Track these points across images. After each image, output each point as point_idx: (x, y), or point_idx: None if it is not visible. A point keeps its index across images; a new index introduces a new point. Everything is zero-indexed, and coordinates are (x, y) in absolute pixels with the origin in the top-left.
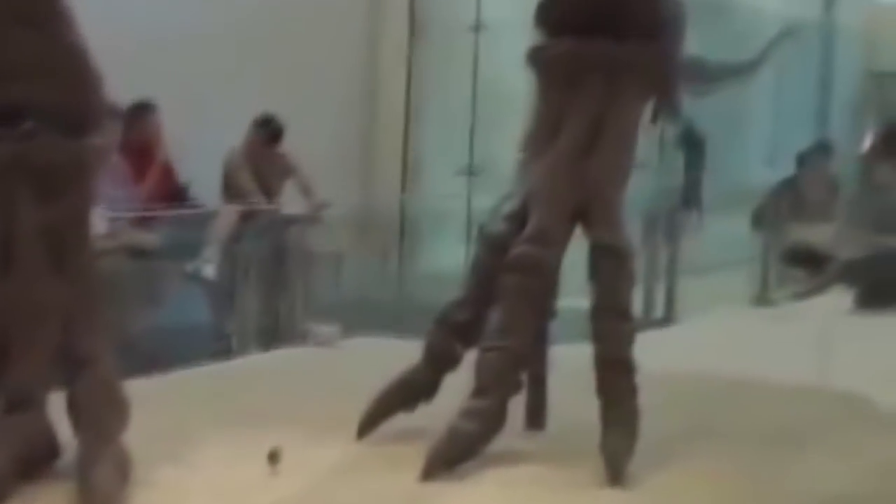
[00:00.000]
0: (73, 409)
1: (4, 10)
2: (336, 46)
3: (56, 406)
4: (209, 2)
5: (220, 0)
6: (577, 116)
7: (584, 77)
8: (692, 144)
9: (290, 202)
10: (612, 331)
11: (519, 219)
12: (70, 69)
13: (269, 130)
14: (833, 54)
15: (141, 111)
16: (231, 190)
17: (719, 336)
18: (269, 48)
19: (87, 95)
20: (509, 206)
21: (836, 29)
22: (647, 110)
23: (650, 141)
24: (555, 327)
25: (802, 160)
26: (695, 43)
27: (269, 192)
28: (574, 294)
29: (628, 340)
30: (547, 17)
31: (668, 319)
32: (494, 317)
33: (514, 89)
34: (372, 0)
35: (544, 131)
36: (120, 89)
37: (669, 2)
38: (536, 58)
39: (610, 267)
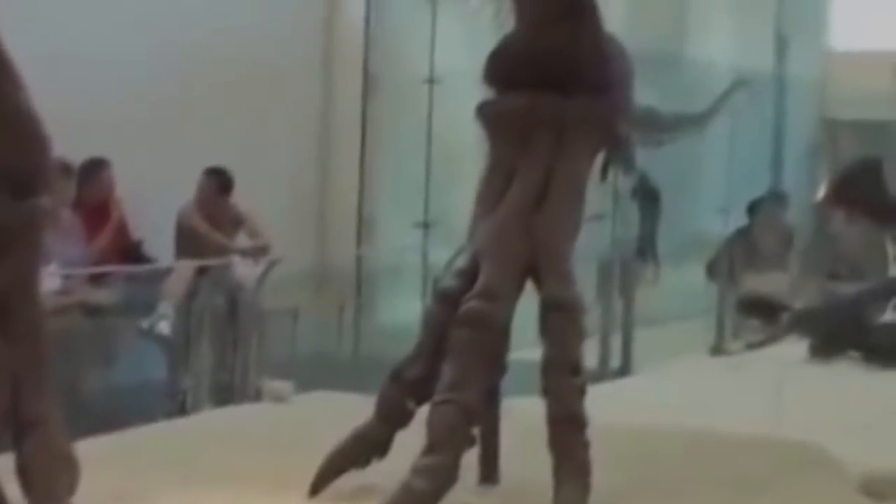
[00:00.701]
0: (22, 471)
1: None
2: (289, 100)
3: (4, 468)
4: (162, 58)
5: (173, 56)
6: (527, 171)
7: (534, 132)
8: (647, 195)
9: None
10: (563, 386)
11: (470, 274)
12: (16, 131)
13: (219, 180)
14: (786, 103)
15: (94, 168)
16: (186, 239)
17: (675, 387)
18: (220, 102)
19: (34, 157)
20: (461, 262)
21: (788, 78)
22: (597, 164)
23: (605, 192)
24: (507, 381)
25: (754, 209)
26: (649, 95)
27: (223, 248)
28: (527, 347)
29: (579, 395)
30: (496, 73)
31: (624, 370)
32: (446, 372)
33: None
34: (325, 53)
35: (495, 186)
36: (72, 147)
37: (617, 57)
38: (486, 113)
39: (560, 321)
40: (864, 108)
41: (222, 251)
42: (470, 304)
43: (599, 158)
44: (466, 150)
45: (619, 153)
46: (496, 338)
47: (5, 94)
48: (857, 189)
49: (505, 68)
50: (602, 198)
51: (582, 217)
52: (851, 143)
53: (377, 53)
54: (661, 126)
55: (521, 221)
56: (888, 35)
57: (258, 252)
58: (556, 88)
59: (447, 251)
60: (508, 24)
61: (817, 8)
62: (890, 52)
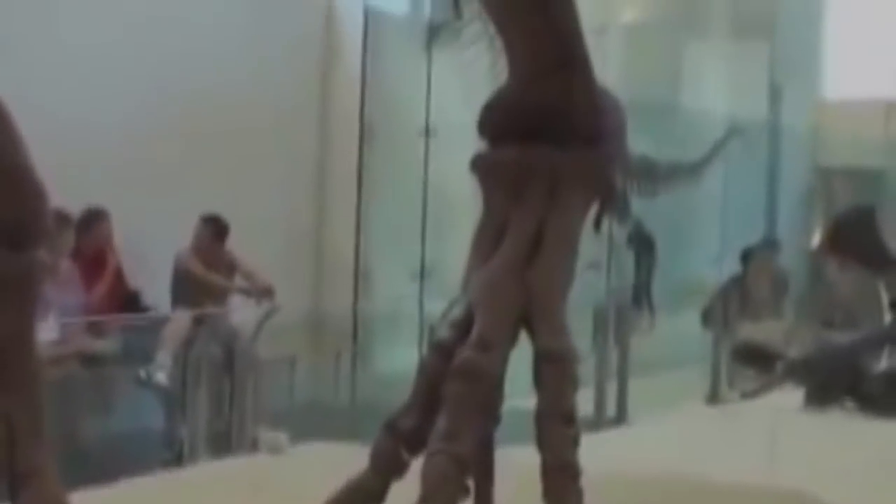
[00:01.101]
0: None
1: None
2: (287, 150)
3: None
4: (159, 107)
5: (171, 105)
6: (520, 223)
7: (527, 184)
8: (642, 244)
9: (239, 307)
10: (556, 436)
11: (464, 325)
12: (13, 184)
13: (214, 227)
14: (780, 152)
15: (92, 219)
16: (183, 285)
17: (671, 436)
18: (218, 152)
19: (31, 209)
20: (455, 312)
21: (782, 127)
22: (591, 215)
23: (600, 240)
24: (502, 429)
25: (747, 257)
26: (644, 144)
27: (216, 295)
28: (521, 395)
29: (573, 445)
30: (490, 125)
31: (620, 419)
32: (440, 423)
33: (464, 193)
34: (322, 103)
35: (489, 237)
36: (70, 196)
37: (611, 109)
38: (480, 165)
39: (553, 372)
40: (856, 155)
41: (221, 294)
42: (464, 355)
43: (593, 209)
44: (462, 201)
45: (613, 204)
46: (490, 388)
47: (2, 148)
48: (850, 237)
49: (498, 120)
50: (597, 246)
51: (575, 268)
52: (845, 190)
53: (374, 104)
54: (656, 175)
55: (515, 273)
56: (879, 82)
57: (260, 294)
58: (550, 141)
59: (443, 301)
60: (503, 76)
61: (810, 57)
62: (881, 100)
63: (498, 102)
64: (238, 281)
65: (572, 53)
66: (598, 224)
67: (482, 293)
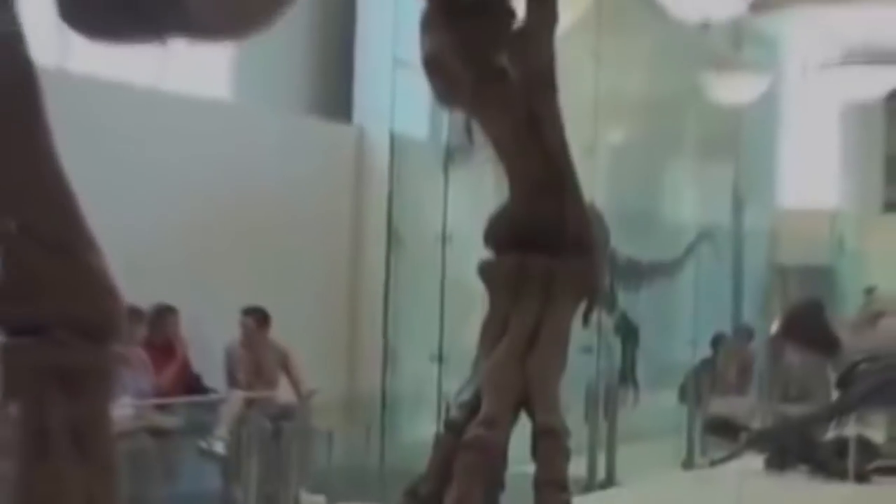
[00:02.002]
0: None
1: (37, 239)
2: (325, 252)
3: None
4: (215, 218)
5: (227, 216)
6: (520, 320)
7: (525, 286)
8: (627, 331)
9: (285, 390)
10: (553, 501)
11: (473, 406)
12: (92, 287)
13: (256, 318)
14: (742, 252)
15: (161, 313)
16: (235, 370)
17: (654, 496)
18: (266, 254)
19: (107, 308)
20: (465, 395)
21: (744, 232)
22: (580, 311)
23: (591, 329)
24: (506, 494)
25: (717, 342)
26: (629, 247)
27: (268, 379)
28: (521, 463)
29: None
30: (494, 236)
31: (609, 482)
32: (453, 489)
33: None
34: (356, 212)
35: (493, 331)
36: (141, 293)
37: (595, 222)
38: (485, 270)
39: (549, 446)
40: (807, 255)
41: (270, 377)
42: (473, 431)
43: (582, 306)
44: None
45: (598, 301)
46: (495, 460)
47: (82, 255)
48: (802, 325)
49: (501, 232)
50: (589, 334)
51: (567, 356)
52: (798, 285)
53: (399, 213)
54: (639, 273)
55: (515, 362)
56: (824, 195)
57: (301, 399)
58: (545, 250)
59: (458, 380)
60: (506, 193)
61: (767, 174)
62: (826, 209)
63: (500, 217)
64: (285, 377)
65: (563, 176)
66: (586, 318)
67: (488, 379)
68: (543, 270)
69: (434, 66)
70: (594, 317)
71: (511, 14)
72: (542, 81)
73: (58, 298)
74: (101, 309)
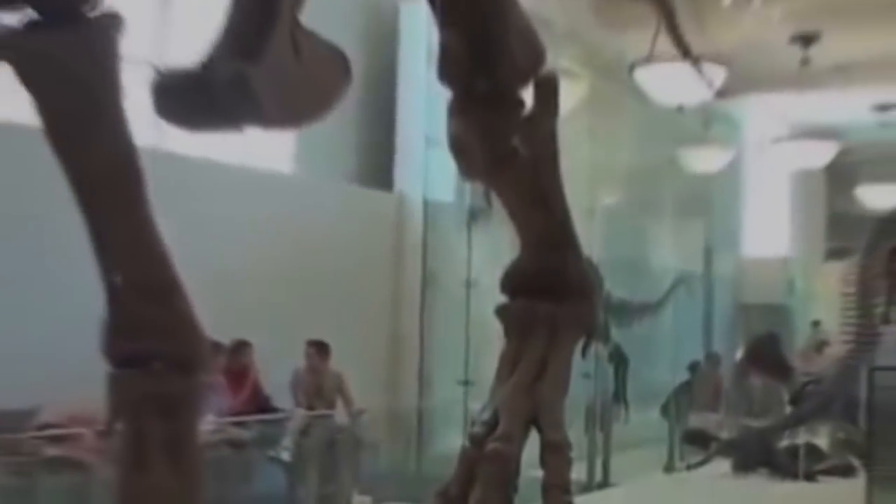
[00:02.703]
0: None
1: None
2: (370, 293)
3: None
4: (279, 267)
5: (290, 266)
6: (529, 354)
7: (534, 327)
8: (619, 360)
9: (339, 409)
10: (558, 502)
11: (492, 423)
12: (182, 326)
13: (318, 349)
14: (713, 294)
15: (239, 347)
16: (298, 396)
17: (642, 495)
18: (320, 295)
19: (194, 344)
20: (486, 414)
21: (714, 276)
22: (579, 346)
23: (590, 358)
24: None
25: (693, 368)
26: (621, 290)
27: (327, 399)
28: (532, 468)
29: None
30: (508, 284)
31: (605, 483)
32: (475, 493)
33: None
34: (396, 261)
35: (508, 364)
36: (219, 330)
37: (591, 272)
38: (501, 313)
39: (555, 457)
40: (765, 295)
41: (329, 399)
42: (492, 445)
43: (580, 342)
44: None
45: (593, 338)
46: (511, 468)
47: (174, 300)
48: (762, 354)
49: (514, 282)
50: (588, 362)
51: (568, 383)
52: (757, 321)
53: (432, 262)
54: (629, 311)
55: (526, 388)
56: (778, 245)
57: (352, 416)
58: (550, 297)
59: (480, 402)
60: (517, 248)
61: (732, 227)
62: (779, 257)
63: (513, 268)
64: (339, 399)
65: (564, 235)
66: (584, 351)
67: (504, 402)
68: (548, 313)
69: (457, 145)
70: (591, 349)
71: (521, 103)
72: (546, 159)
73: (154, 337)
74: (190, 345)
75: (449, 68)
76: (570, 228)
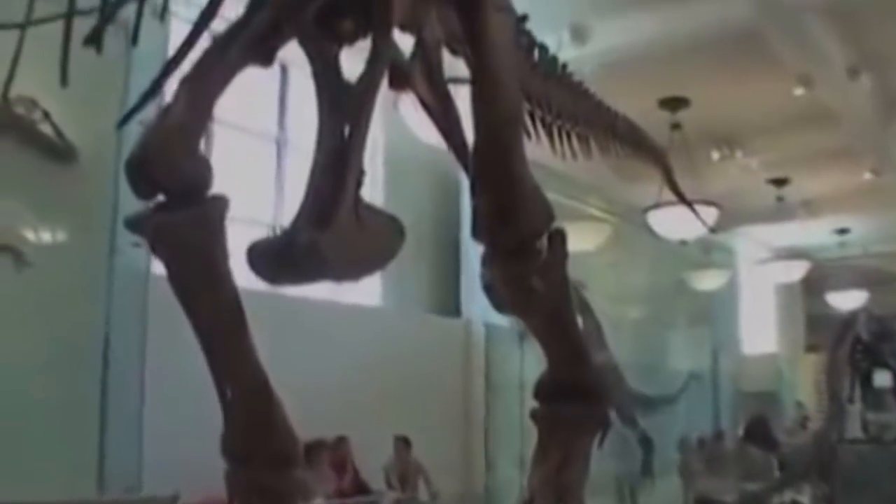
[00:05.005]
0: None
1: (245, 411)
2: (445, 398)
3: None
4: (362, 375)
5: (371, 374)
6: (556, 448)
7: (559, 426)
8: (645, 441)
9: (421, 491)
10: None
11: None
12: (278, 433)
13: (403, 442)
14: (719, 385)
15: (339, 441)
16: (389, 481)
17: None
18: (409, 402)
19: (288, 447)
20: (526, 495)
21: (719, 371)
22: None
23: (616, 438)
24: None
25: (702, 444)
26: (643, 387)
27: (411, 483)
28: None
29: None
30: (539, 391)
31: None
32: None
33: None
34: (464, 371)
35: (540, 456)
36: (325, 429)
37: (613, 375)
38: (534, 414)
39: None
40: (760, 384)
41: (413, 483)
42: None
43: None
44: None
45: (607, 433)
46: None
47: (272, 412)
48: (755, 432)
49: (543, 389)
50: (620, 445)
51: (588, 471)
52: (754, 404)
53: (493, 372)
54: (651, 404)
55: (554, 475)
56: (769, 343)
57: (431, 496)
58: (571, 401)
59: None
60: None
61: (732, 332)
62: (770, 353)
63: (541, 380)
64: (421, 481)
65: (579, 351)
66: (601, 443)
67: (535, 488)
68: (571, 415)
69: (489, 287)
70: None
71: (539, 252)
72: (560, 295)
73: (255, 440)
74: (284, 447)
75: (480, 227)
76: (584, 347)
